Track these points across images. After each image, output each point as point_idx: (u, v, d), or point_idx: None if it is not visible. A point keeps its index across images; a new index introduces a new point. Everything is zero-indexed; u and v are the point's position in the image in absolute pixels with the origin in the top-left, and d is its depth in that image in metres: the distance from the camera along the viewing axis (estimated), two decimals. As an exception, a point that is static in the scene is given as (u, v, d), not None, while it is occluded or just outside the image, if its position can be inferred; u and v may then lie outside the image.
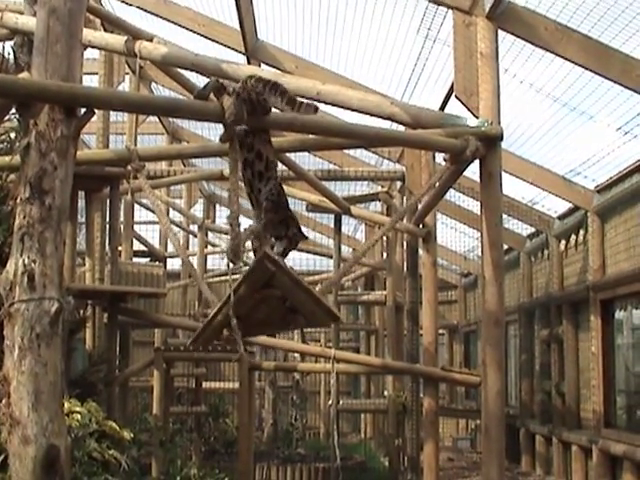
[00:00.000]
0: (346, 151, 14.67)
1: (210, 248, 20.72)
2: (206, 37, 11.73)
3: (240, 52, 11.35)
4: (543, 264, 15.97)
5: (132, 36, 8.86)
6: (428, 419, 11.58)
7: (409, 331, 12.75)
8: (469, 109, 8.03)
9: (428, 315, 11.78)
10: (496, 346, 7.72)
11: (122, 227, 13.35)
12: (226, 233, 19.65)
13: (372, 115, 7.89)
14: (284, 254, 6.11)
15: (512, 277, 17.73)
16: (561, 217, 14.82)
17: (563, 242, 14.65)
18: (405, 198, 13.56)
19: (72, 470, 6.50)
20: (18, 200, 4.99)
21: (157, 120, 17.46)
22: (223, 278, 22.61)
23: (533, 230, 16.38)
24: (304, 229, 6.44)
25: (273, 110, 6.17)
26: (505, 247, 15.82)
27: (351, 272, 18.49)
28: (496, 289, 7.71)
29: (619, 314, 12.58)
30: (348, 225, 21.20)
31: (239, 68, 8.16)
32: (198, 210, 21.35)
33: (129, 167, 8.46)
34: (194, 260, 18.60)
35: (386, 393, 15.00)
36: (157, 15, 11.89)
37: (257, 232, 6.10)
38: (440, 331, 18.29)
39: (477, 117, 7.88)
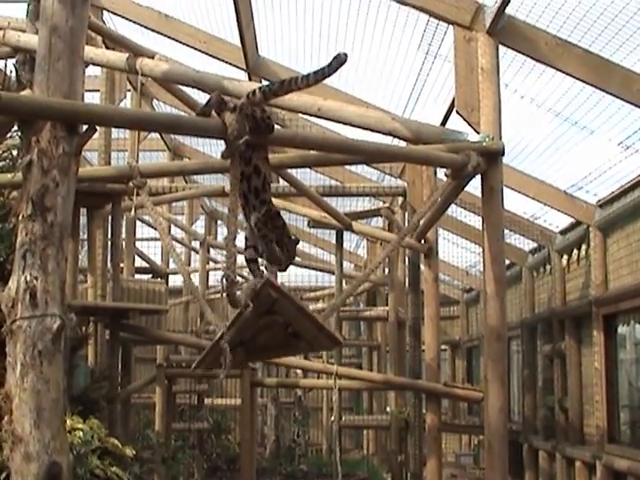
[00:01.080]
0: (347, 167, 14.67)
1: (212, 264, 20.72)
2: (207, 54, 11.75)
3: (241, 68, 11.37)
4: (545, 279, 15.95)
5: (133, 53, 8.89)
6: (431, 435, 11.55)
7: (411, 347, 12.73)
8: (470, 124, 8.04)
9: (430, 331, 11.77)
10: (498, 361, 7.71)
11: (124, 244, 13.35)
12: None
13: (373, 131, 7.91)
14: (284, 267, 6.06)
15: (514, 292, 17.71)
16: (563, 232, 14.80)
17: (565, 257, 14.63)
18: (407, 214, 13.57)
19: (74, 487, 6.48)
20: (20, 217, 5.00)
21: (159, 137, 17.48)
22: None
23: (535, 245, 16.36)
24: (305, 245, 6.43)
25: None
26: (507, 262, 15.80)
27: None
28: (498, 304, 7.71)
29: (622, 329, 12.56)
30: (350, 241, 21.23)
31: (240, 84, 8.18)
32: (200, 226, 21.37)
33: (131, 184, 8.48)
34: (196, 276, 18.60)
35: (388, 409, 14.99)
36: (158, 32, 11.92)
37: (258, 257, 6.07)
38: (442, 347, 18.32)
39: (478, 132, 7.89)
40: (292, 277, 22.86)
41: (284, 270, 6.10)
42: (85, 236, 12.06)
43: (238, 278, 6.22)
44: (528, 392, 16.89)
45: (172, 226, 18.29)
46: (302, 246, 22.98)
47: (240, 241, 6.00)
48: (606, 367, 12.61)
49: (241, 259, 6.37)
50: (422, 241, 11.77)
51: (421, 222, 10.95)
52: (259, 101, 5.78)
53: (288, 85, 5.84)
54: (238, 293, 5.82)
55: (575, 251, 14.12)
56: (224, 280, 5.70)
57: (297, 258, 22.90)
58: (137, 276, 14.86)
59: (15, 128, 7.76)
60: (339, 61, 5.66)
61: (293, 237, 6.05)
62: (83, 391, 9.94)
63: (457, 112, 8.19)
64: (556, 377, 14.99)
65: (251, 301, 5.62)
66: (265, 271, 6.04)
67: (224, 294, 5.87)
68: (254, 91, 5.80)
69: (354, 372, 13.76)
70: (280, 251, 5.94)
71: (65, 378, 5.08)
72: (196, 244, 19.60)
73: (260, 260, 6.04)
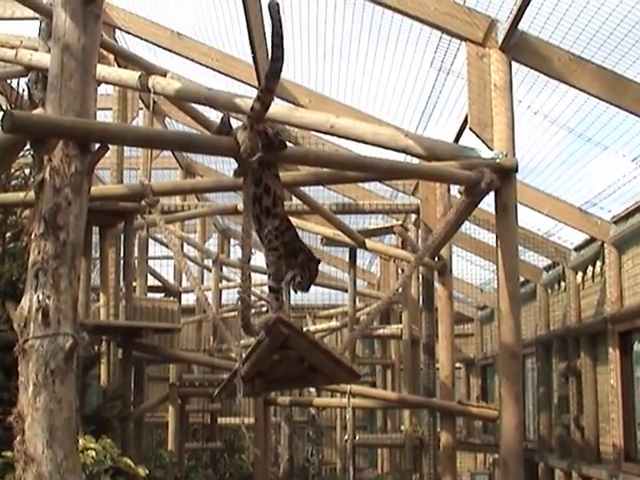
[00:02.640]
0: (360, 184, 14.68)
1: (225, 283, 20.73)
2: (219, 71, 11.79)
3: (253, 86, 11.39)
4: (560, 296, 15.90)
5: (145, 71, 8.91)
6: (445, 454, 11.50)
7: (425, 365, 12.69)
8: (483, 141, 8.04)
9: (444, 348, 11.74)
10: (513, 379, 7.68)
11: (136, 262, 13.36)
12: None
13: (386, 148, 7.90)
14: (301, 285, 6.02)
15: (529, 309, 17.65)
16: (577, 248, 14.76)
17: (580, 274, 14.59)
18: (420, 231, 13.55)
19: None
20: (32, 236, 5.00)
21: (171, 155, 17.53)
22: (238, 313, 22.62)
23: (549, 262, 16.32)
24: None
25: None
26: (521, 279, 15.76)
27: (367, 305, 18.50)
28: (513, 322, 7.69)
29: (638, 346, 12.50)
30: (363, 259, 21.19)
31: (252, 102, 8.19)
32: (212, 244, 21.38)
33: (143, 202, 8.50)
34: (208, 295, 18.60)
35: (403, 428, 14.92)
36: (170, 50, 11.97)
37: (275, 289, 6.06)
38: (457, 365, 18.23)
39: (492, 149, 7.89)
40: (305, 295, 22.78)
41: (306, 290, 6.08)
42: (97, 255, 12.08)
43: (254, 298, 6.23)
44: (543, 410, 16.82)
45: (184, 244, 18.31)
46: (315, 264, 22.93)
47: (254, 260, 5.99)
48: (622, 384, 12.55)
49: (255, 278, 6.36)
50: (436, 258, 11.75)
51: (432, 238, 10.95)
52: (260, 111, 5.74)
53: (272, 76, 5.74)
54: (254, 322, 5.81)
55: (590, 268, 14.07)
56: (239, 303, 5.68)
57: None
58: (150, 295, 14.88)
59: (27, 147, 7.78)
60: (274, 10, 5.49)
61: (315, 257, 6.05)
62: (96, 410, 9.93)
63: (470, 129, 8.19)
64: (572, 395, 14.92)
65: (265, 334, 5.60)
66: (277, 302, 6.02)
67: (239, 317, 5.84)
68: (252, 106, 5.78)
69: (368, 390, 13.72)
70: (301, 270, 5.92)
71: (77, 397, 5.07)
72: (209, 262, 19.60)
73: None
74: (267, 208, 5.82)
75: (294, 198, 11.59)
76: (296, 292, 6.23)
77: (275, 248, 5.90)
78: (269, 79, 5.74)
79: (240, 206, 9.67)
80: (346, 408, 12.20)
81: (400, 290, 13.83)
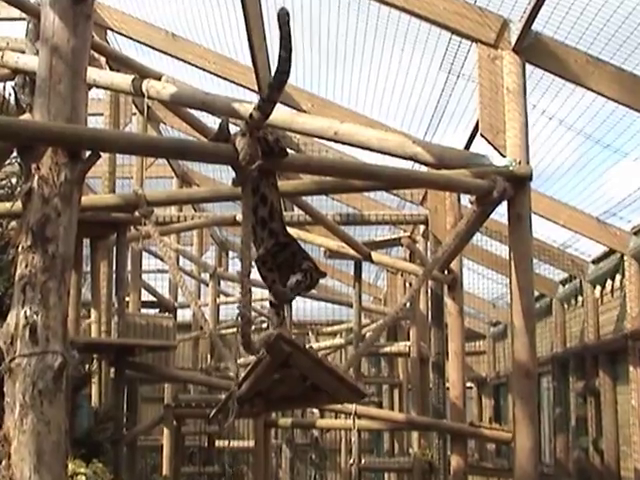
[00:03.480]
0: (366, 194, 14.69)
1: (223, 298, 20.72)
2: (217, 75, 11.80)
3: (253, 90, 11.40)
4: (577, 311, 15.88)
5: (139, 75, 8.91)
6: (456, 478, 11.48)
7: (435, 384, 12.68)
8: (496, 148, 8.03)
9: (455, 367, 11.72)
10: (528, 400, 7.66)
11: (130, 276, 13.36)
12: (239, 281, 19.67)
13: (393, 155, 7.89)
14: (299, 288, 5.96)
15: (544, 326, 17.64)
16: (595, 261, 14.75)
17: (598, 288, 14.57)
18: (429, 243, 13.54)
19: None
20: (19, 248, 5.00)
21: (166, 163, 17.54)
22: (237, 329, 22.63)
23: (566, 275, 16.31)
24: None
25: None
26: (536, 294, 15.72)
27: (372, 321, 18.49)
28: (527, 339, 7.67)
29: (660, 364, 12.47)
30: (369, 272, 21.18)
31: (252, 107, 8.18)
32: (210, 257, 21.37)
33: (137, 213, 8.50)
34: (206, 310, 18.59)
35: (411, 451, 14.89)
36: (165, 52, 11.99)
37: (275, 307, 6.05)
38: (468, 384, 18.20)
39: (504, 156, 7.88)
40: (308, 311, 22.84)
41: (299, 291, 6.00)
42: (88, 268, 12.07)
43: (254, 314, 6.23)
44: (560, 432, 16.78)
45: (180, 257, 18.30)
46: (318, 278, 22.94)
47: (254, 273, 5.97)
48: (644, 405, 12.52)
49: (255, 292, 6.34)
50: (445, 272, 11.74)
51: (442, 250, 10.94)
52: (259, 120, 5.72)
53: (276, 87, 5.75)
54: (254, 338, 5.79)
55: (609, 281, 14.05)
56: (239, 319, 5.66)
57: (313, 291, 22.87)
58: (144, 310, 14.87)
59: (14, 154, 7.78)
60: (283, 18, 5.55)
61: (320, 270, 6.02)
62: (86, 433, 9.93)
63: (482, 135, 8.18)
64: (590, 416, 14.89)
65: (266, 352, 5.59)
66: (278, 318, 6.01)
67: (238, 334, 5.83)
68: (251, 114, 5.76)
69: (374, 411, 13.69)
70: (304, 277, 5.88)
71: (67, 419, 5.05)
72: (206, 276, 19.60)
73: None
74: (263, 219, 5.80)
75: (296, 208, 11.59)
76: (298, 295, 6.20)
77: (264, 277, 5.91)
78: (272, 90, 5.73)
79: (239, 217, 9.69)
80: (351, 430, 12.17)
81: (408, 305, 13.85)
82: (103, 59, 10.71)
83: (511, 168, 7.63)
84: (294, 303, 17.21)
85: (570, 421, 16.23)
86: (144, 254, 15.41)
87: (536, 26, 8.18)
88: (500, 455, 20.90)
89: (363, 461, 14.90)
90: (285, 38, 5.49)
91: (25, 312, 4.84)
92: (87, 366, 10.99)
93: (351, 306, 16.24)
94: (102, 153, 5.65)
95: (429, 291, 13.40)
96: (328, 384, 5.97)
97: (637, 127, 10.33)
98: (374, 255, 13.23)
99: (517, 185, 7.61)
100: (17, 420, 4.73)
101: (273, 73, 5.75)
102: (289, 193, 7.83)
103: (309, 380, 5.90)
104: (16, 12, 9.96)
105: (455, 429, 11.60)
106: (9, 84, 9.63)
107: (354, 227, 15.00)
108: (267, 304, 6.25)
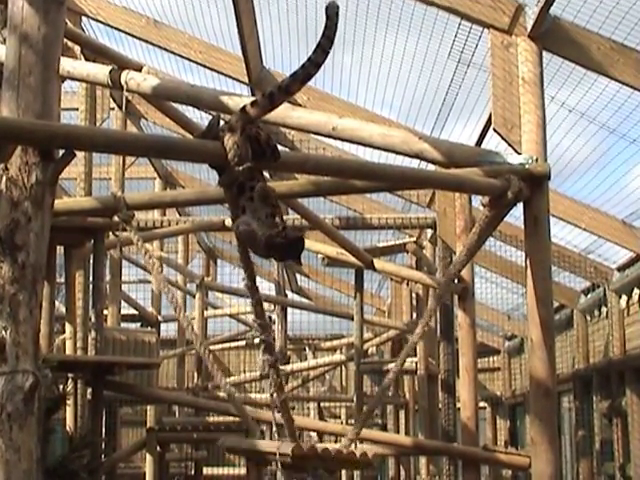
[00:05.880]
0: (368, 195, 14.69)
1: (211, 310, 20.70)
2: (204, 65, 11.80)
3: (243, 82, 11.41)
4: (601, 323, 15.89)
5: (117, 65, 8.91)
6: (469, 508, 11.49)
7: (444, 404, 12.68)
8: (510, 144, 8.04)
9: (466, 385, 11.71)
10: (547, 421, 7.66)
11: (108, 287, 13.35)
12: (230, 292, 19.68)
13: (397, 153, 7.90)
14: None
15: (564, 339, 17.64)
16: (621, 268, 14.76)
17: (624, 297, 14.57)
18: (437, 249, 13.54)
19: None
20: (-14, 257, 4.99)
21: (147, 162, 17.54)
22: (226, 345, 22.68)
23: (588, 284, 16.32)
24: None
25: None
26: (555, 304, 15.75)
27: (376, 336, 18.49)
28: (546, 354, 7.67)
29: (692, 381, 12.49)
30: (371, 281, 21.18)
31: (242, 100, 8.18)
32: (196, 266, 21.37)
33: (116, 217, 8.49)
34: (193, 324, 18.56)
35: (419, 478, 14.90)
36: (146, 41, 11.99)
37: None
38: (481, 404, 18.20)
39: (519, 153, 7.88)
40: (304, 324, 22.84)
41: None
42: (62, 279, 12.06)
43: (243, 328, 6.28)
44: (583, 457, 16.77)
45: (164, 266, 18.30)
46: (316, 288, 22.99)
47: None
48: (675, 427, 12.53)
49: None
50: (456, 280, 11.74)
51: (454, 258, 10.93)
52: (256, 115, 5.69)
53: (304, 75, 5.74)
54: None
55: (636, 290, 14.05)
56: (256, 333, 5.75)
57: (310, 302, 22.92)
58: (123, 325, 14.87)
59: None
60: (333, 10, 5.59)
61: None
62: (60, 461, 9.90)
63: (494, 130, 8.19)
64: (616, 439, 14.88)
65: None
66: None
67: (259, 339, 5.94)
68: (244, 108, 5.70)
69: (378, 435, 13.68)
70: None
71: (39, 446, 5.05)
72: (192, 287, 19.58)
73: None
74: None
75: (291, 211, 11.59)
76: None
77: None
78: (293, 81, 5.73)
79: (228, 221, 9.68)
80: (353, 455, 12.14)
81: (407, 311, 13.83)
82: (78, 48, 10.71)
83: (527, 166, 7.64)
84: (289, 316, 17.24)
85: (594, 445, 16.22)
86: (124, 263, 15.40)
87: (554, 10, 8.18)
88: (517, 482, 20.93)
89: (366, 489, 14.93)
90: (330, 30, 5.49)
91: (-7, 328, 4.84)
92: (61, 386, 10.97)
93: (352, 319, 16.22)
94: (77, 152, 5.64)
95: (438, 302, 13.40)
96: (338, 464, 6.20)
97: (666, 120, 10.36)
98: (377, 262, 13.24)
99: (534, 185, 7.61)
100: (-16, 447, 4.72)
101: (303, 62, 5.73)
102: (283, 195, 7.81)
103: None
104: (-19, -3, 9.96)
105: (467, 454, 11.59)
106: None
107: (355, 232, 15.03)
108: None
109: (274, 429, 7.06)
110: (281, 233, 5.28)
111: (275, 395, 6.43)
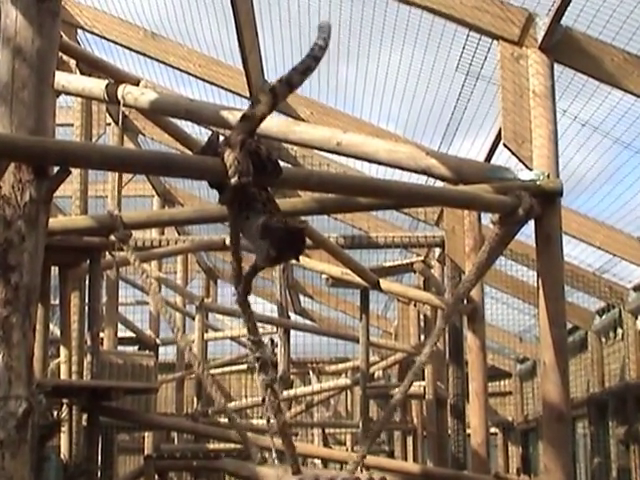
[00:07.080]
0: (373, 213, 14.68)
1: (211, 333, 20.67)
2: (203, 79, 11.82)
3: (244, 96, 11.42)
4: (617, 345, 15.86)
5: (114, 79, 8.93)
6: (480, 539, 11.44)
7: (454, 430, 12.65)
8: (521, 159, 8.04)
9: (477, 410, 11.69)
10: (561, 447, 7.64)
11: (104, 309, 13.34)
12: (230, 314, 19.68)
13: (404, 169, 7.91)
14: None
15: (578, 362, 17.62)
16: (637, 288, 14.75)
17: (640, 318, 14.57)
18: (446, 268, 13.53)
19: None
20: (-22, 279, 5.00)
21: (145, 179, 17.55)
22: (227, 369, 22.66)
23: (603, 304, 16.30)
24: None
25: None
26: (569, 325, 15.72)
27: (382, 359, 18.45)
28: (559, 377, 7.66)
29: None
30: (377, 302, 21.17)
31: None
32: (196, 287, 21.35)
33: (112, 237, 8.49)
34: (192, 347, 18.54)
35: (428, 507, 14.86)
36: (144, 54, 12.01)
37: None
38: (492, 430, 18.15)
39: (530, 169, 7.89)
40: (308, 347, 22.82)
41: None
42: (57, 300, 12.06)
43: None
44: (599, 485, 16.74)
45: (163, 287, 18.29)
46: (320, 310, 22.96)
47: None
48: (694, 453, 12.49)
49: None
50: (465, 301, 11.72)
51: (463, 277, 10.92)
52: (256, 119, 5.65)
53: (304, 68, 5.75)
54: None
55: (653, 311, 14.05)
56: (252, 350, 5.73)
57: (314, 323, 22.89)
58: (120, 348, 14.85)
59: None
60: (324, 30, 5.60)
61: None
62: (55, 489, 9.89)
63: (504, 145, 8.20)
64: (634, 466, 14.83)
65: None
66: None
67: (254, 357, 5.89)
68: (244, 116, 5.67)
69: (385, 462, 13.64)
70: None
71: (32, 474, 5.04)
72: (192, 308, 19.56)
73: None
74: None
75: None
76: None
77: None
78: (295, 73, 5.69)
79: (229, 240, 9.67)
80: (359, 484, 12.12)
81: (414, 333, 13.79)
82: (73, 62, 10.73)
83: (538, 182, 7.64)
84: (292, 339, 17.20)
85: (611, 473, 16.17)
86: (121, 284, 15.40)
87: (566, 20, 8.20)
88: (530, 511, 20.87)
89: (373, 519, 14.87)
90: (318, 49, 5.53)
91: (-16, 351, 4.84)
92: (56, 412, 10.96)
93: (357, 341, 16.21)
94: (72, 169, 5.65)
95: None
96: None
97: (682, 135, 10.37)
98: (383, 283, 13.22)
99: (545, 201, 7.61)
100: (-25, 476, 4.71)
101: (304, 56, 5.69)
102: (286, 212, 7.81)
103: None
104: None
105: (478, 482, 11.57)
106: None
107: (360, 251, 15.01)
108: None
109: (274, 455, 7.02)
110: (280, 219, 5.28)
111: (273, 419, 6.39)
